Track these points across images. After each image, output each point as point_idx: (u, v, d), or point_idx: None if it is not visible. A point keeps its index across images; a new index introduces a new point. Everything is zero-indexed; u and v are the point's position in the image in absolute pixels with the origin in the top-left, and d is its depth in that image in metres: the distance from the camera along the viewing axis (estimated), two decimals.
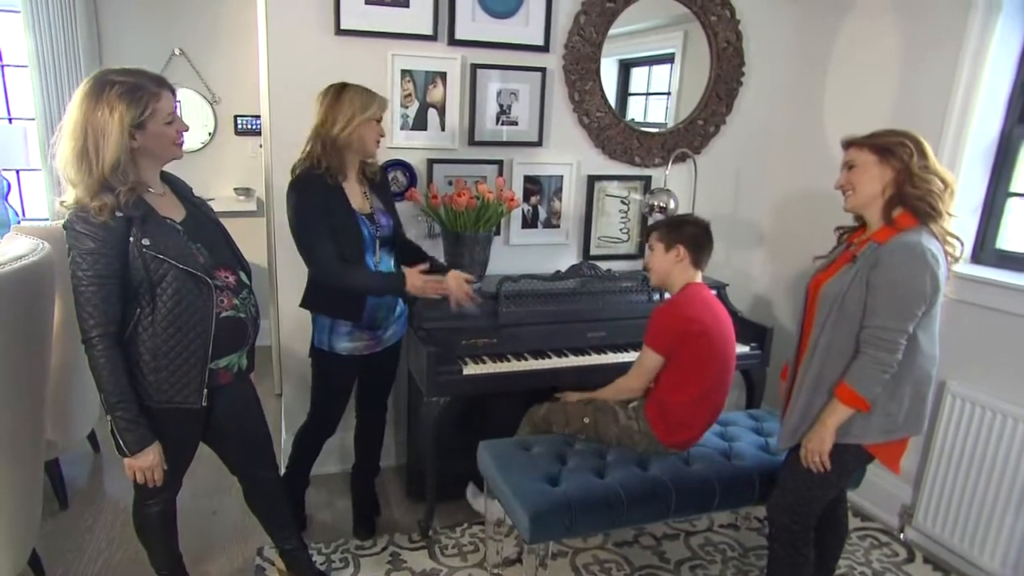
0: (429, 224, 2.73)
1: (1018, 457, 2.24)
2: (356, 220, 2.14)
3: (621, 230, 3.12)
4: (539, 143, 2.87)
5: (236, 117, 4.16)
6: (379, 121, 2.14)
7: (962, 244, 1.80)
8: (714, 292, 2.87)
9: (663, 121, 3.13)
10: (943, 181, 1.72)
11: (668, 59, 3.20)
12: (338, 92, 2.09)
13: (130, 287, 1.56)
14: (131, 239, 1.53)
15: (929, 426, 2.56)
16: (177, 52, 3.93)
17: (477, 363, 2.39)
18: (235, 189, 4.22)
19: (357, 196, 2.20)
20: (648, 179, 3.08)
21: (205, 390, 1.66)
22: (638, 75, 3.24)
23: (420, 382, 2.38)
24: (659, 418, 2.14)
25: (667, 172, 2.92)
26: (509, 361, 2.43)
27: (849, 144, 1.84)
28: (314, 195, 2.08)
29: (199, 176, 4.07)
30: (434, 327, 2.46)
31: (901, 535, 2.63)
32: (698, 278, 2.20)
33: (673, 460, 2.14)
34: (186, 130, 1.65)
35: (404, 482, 2.79)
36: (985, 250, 2.57)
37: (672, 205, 2.81)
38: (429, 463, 2.40)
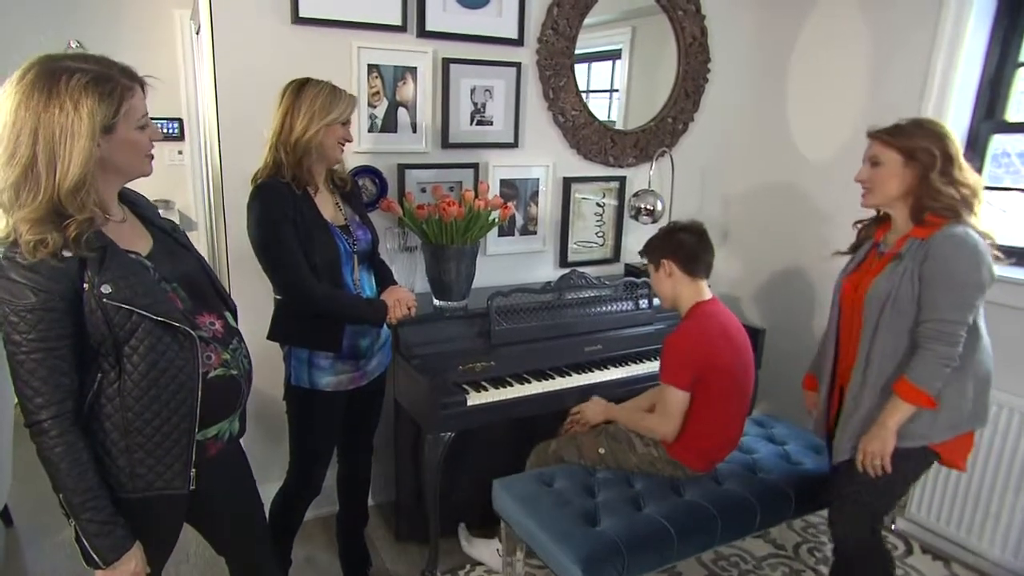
0: (404, 237, 2.45)
1: (1014, 444, 2.29)
2: (330, 233, 1.85)
3: (597, 234, 2.97)
4: (515, 144, 2.66)
5: None
6: (346, 124, 1.86)
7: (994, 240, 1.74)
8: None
9: (610, 119, 2.99)
10: (967, 188, 1.67)
11: (613, 55, 3.07)
12: (297, 90, 1.78)
13: (87, 348, 1.18)
14: (85, 286, 1.14)
15: None
16: (74, 45, 3.35)
17: (479, 391, 2.16)
18: (152, 201, 3.69)
19: (329, 206, 1.91)
20: (623, 179, 2.94)
21: (193, 470, 1.29)
22: (578, 72, 3.10)
23: (419, 416, 2.12)
24: (681, 448, 1.99)
25: (651, 171, 2.80)
26: (512, 386, 2.21)
27: (875, 136, 1.76)
28: (279, 205, 1.77)
29: None
30: (427, 352, 2.20)
31: (893, 526, 2.66)
32: (706, 293, 2.02)
33: (704, 480, 2.02)
34: (160, 139, 1.30)
35: (393, 523, 2.50)
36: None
37: (659, 207, 2.69)
38: (432, 505, 2.15)
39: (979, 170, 2.48)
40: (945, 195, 1.64)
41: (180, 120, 3.61)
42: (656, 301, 2.55)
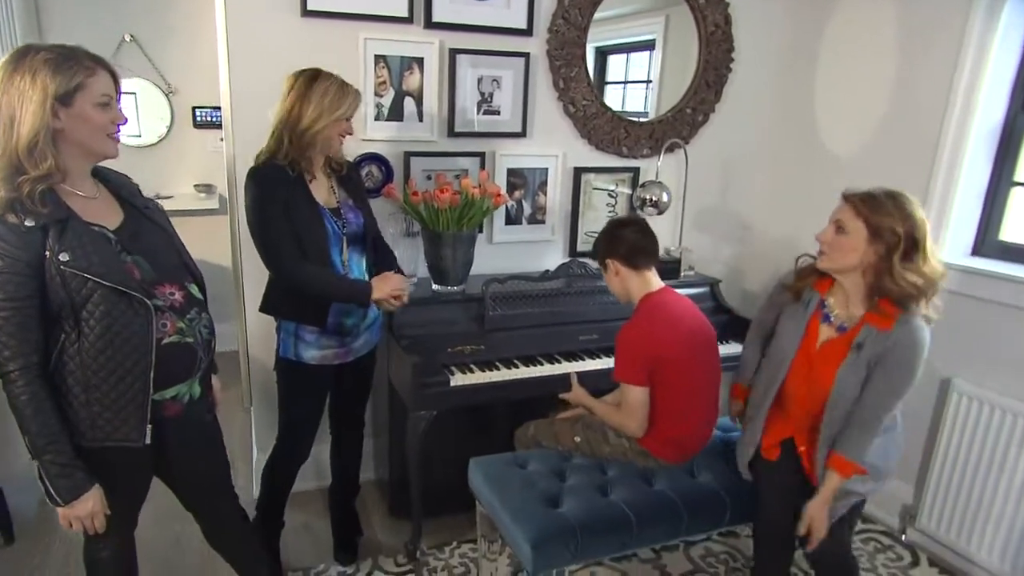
0: (408, 222, 2.53)
1: (1017, 451, 2.16)
2: (319, 214, 1.94)
3: None
4: (523, 134, 2.69)
5: (194, 109, 3.87)
6: (349, 119, 1.95)
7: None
8: (701, 290, 2.81)
9: (643, 110, 2.98)
10: (927, 278, 1.64)
11: (648, 46, 3.05)
12: (309, 82, 1.87)
13: (50, 310, 1.30)
14: (47, 253, 1.26)
15: (933, 425, 2.50)
16: (127, 38, 3.62)
17: (465, 372, 2.22)
18: (195, 186, 3.94)
19: (322, 189, 2.00)
20: (636, 171, 2.92)
21: (149, 426, 1.40)
22: (615, 63, 3.08)
23: (404, 395, 2.20)
24: (650, 439, 1.99)
25: (659, 163, 2.78)
26: (498, 369, 2.26)
27: (849, 200, 1.70)
28: (273, 187, 1.88)
29: (156, 172, 3.80)
30: (418, 334, 2.28)
31: (903, 536, 2.55)
32: (654, 284, 1.99)
33: (677, 473, 2.00)
34: (123, 122, 1.39)
35: (387, 498, 2.60)
36: (987, 242, 2.49)
37: (665, 198, 2.67)
38: (414, 482, 2.22)
39: (1015, 162, 2.37)
40: (906, 282, 1.62)
41: (220, 108, 3.82)
42: None
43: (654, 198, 2.66)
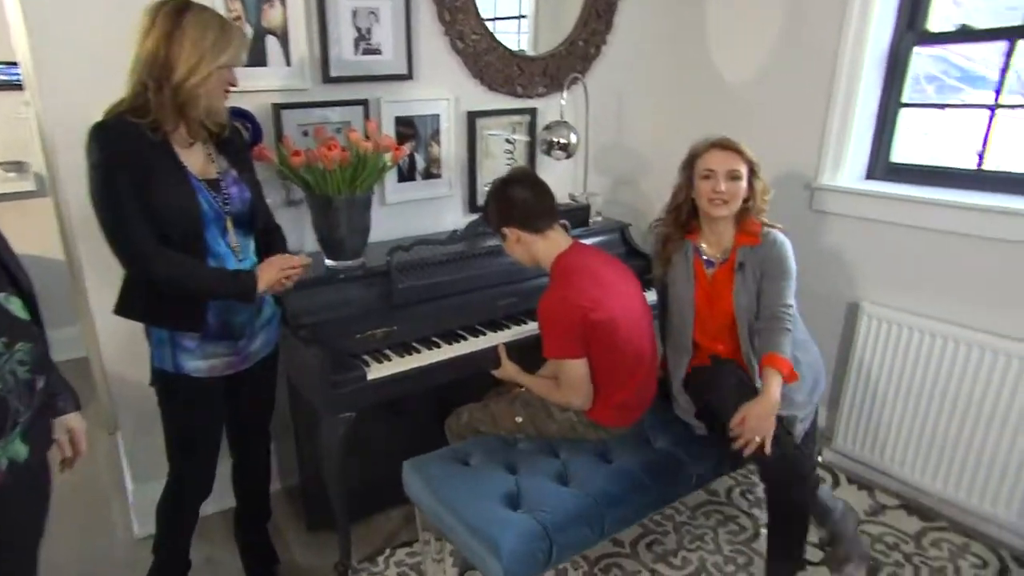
0: (288, 189, 2.13)
1: (936, 369, 2.25)
2: (191, 189, 1.52)
3: None
4: (409, 75, 2.33)
5: None
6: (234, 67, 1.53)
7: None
8: (612, 236, 2.67)
9: (519, 49, 2.70)
10: (766, 189, 1.94)
11: None
12: (175, 16, 1.42)
13: None
14: None
15: (844, 349, 2.56)
16: None
17: (381, 361, 1.91)
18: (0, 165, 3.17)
19: (196, 156, 1.57)
20: (534, 112, 2.67)
21: None
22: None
23: (312, 396, 1.86)
24: (597, 409, 1.83)
25: (563, 101, 2.54)
26: (419, 352, 1.98)
27: (735, 148, 1.89)
28: (123, 150, 1.44)
29: None
30: (317, 321, 1.93)
31: (819, 458, 2.63)
32: (563, 242, 1.82)
33: (633, 442, 1.86)
34: None
35: (302, 511, 2.26)
36: (879, 164, 2.53)
37: (573, 140, 2.45)
38: (336, 492, 1.92)
39: (903, 83, 2.40)
40: (762, 199, 1.92)
41: (16, 63, 3.04)
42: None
43: (562, 140, 2.43)
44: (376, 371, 1.86)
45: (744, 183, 1.87)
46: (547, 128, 2.48)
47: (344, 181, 1.95)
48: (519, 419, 1.89)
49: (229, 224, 1.61)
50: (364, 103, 2.25)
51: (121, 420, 2.10)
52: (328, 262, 2.09)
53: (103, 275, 1.61)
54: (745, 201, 1.89)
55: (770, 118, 2.63)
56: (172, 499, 1.77)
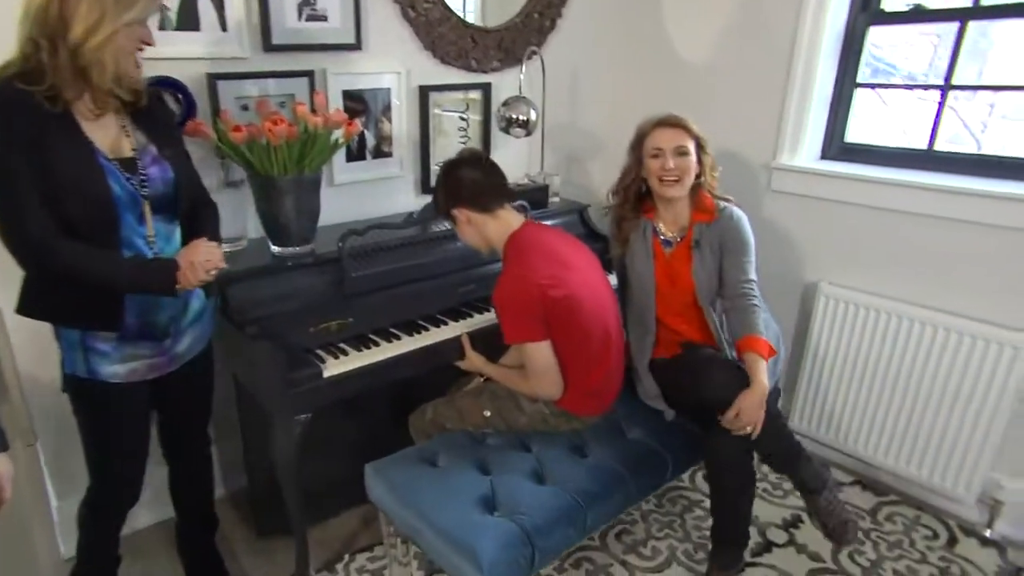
0: (227, 169, 1.93)
1: (891, 347, 2.29)
2: (99, 169, 1.31)
3: None
4: (357, 45, 2.16)
5: None
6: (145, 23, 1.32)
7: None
8: (570, 218, 2.58)
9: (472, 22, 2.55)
10: (714, 164, 1.93)
11: None
12: None
13: None
14: None
15: (801, 328, 2.57)
16: None
17: (338, 356, 1.77)
18: None
19: (106, 131, 1.36)
20: (488, 87, 2.54)
21: None
22: None
23: (264, 398, 1.71)
24: (568, 398, 1.75)
25: (522, 75, 2.41)
26: (377, 345, 1.84)
27: (680, 125, 1.88)
28: (14, 124, 1.23)
29: None
30: (266, 314, 1.76)
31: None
32: (515, 221, 1.74)
33: (607, 433, 1.80)
34: None
35: (251, 517, 2.10)
36: (833, 145, 2.53)
37: (533, 116, 2.34)
38: (292, 498, 1.77)
39: (858, 63, 2.40)
40: (712, 174, 1.92)
41: None
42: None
43: (521, 117, 2.31)
44: (333, 367, 1.72)
45: (693, 158, 1.86)
46: (505, 104, 2.36)
47: (291, 160, 1.78)
48: (487, 413, 1.79)
49: (147, 209, 1.40)
50: (309, 75, 2.07)
51: (40, 430, 1.87)
52: (274, 248, 1.92)
53: (9, 267, 1.38)
54: (697, 177, 1.89)
55: (728, 97, 2.59)
56: (93, 511, 1.59)
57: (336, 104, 2.14)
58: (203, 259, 1.40)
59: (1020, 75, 2.22)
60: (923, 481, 2.30)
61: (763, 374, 1.69)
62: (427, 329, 1.95)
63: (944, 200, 2.13)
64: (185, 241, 1.50)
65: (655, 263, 1.93)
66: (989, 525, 2.22)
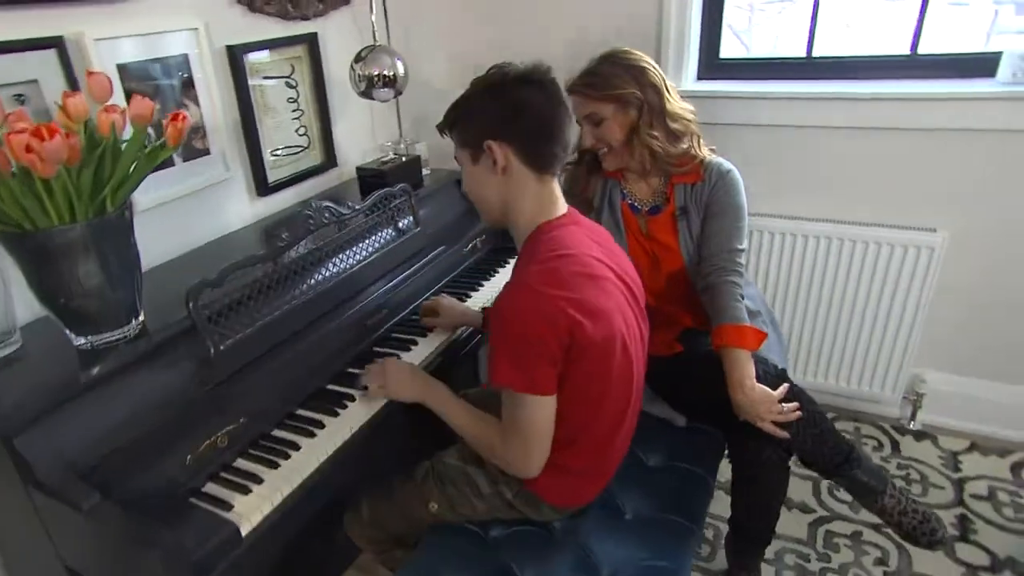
0: None
1: (799, 268, 2.20)
2: None
3: (299, 131, 1.89)
4: None
5: None
6: None
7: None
8: (450, 193, 2.03)
9: None
10: (688, 119, 1.55)
11: None
12: None
13: None
14: None
15: None
16: None
17: (245, 491, 1.10)
18: None
19: None
20: (313, 37, 1.86)
21: None
22: None
23: None
24: (548, 477, 1.19)
25: (373, 17, 1.77)
26: (298, 449, 1.21)
27: (572, 90, 1.51)
28: None
29: None
30: (101, 462, 1.04)
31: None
32: (560, 204, 1.19)
33: (623, 470, 1.35)
34: None
35: None
36: (709, 63, 2.30)
37: (402, 70, 1.74)
38: None
39: None
40: (674, 126, 1.52)
41: None
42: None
43: (387, 72, 1.70)
44: (248, 512, 1.07)
45: (613, 124, 1.51)
46: (361, 60, 1.72)
47: (81, 194, 1.04)
48: (433, 506, 1.28)
49: None
50: (57, 44, 1.26)
51: None
52: (78, 342, 1.16)
53: None
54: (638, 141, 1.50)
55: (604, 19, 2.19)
56: None
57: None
58: None
59: None
60: (854, 392, 2.30)
61: (748, 372, 1.37)
62: (344, 407, 1.33)
63: (833, 108, 2.00)
64: None
65: (628, 236, 1.59)
66: (912, 418, 2.28)
